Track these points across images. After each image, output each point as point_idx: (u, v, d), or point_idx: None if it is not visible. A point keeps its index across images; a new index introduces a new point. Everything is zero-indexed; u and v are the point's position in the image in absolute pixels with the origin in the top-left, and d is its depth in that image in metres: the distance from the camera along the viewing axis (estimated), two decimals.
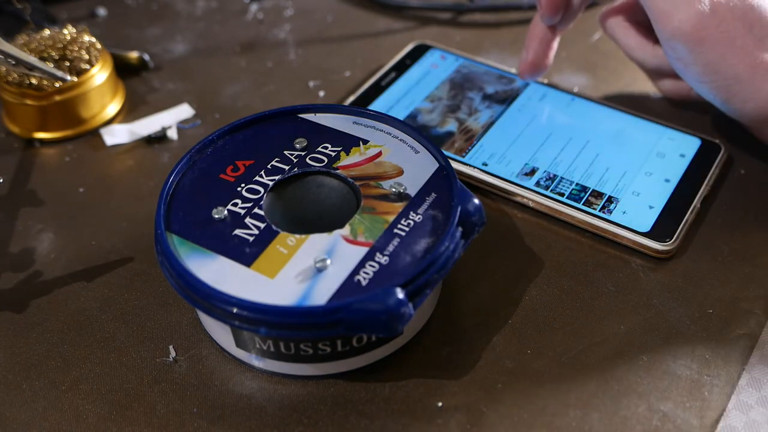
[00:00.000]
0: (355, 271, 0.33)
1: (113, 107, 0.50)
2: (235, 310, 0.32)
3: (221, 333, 0.35)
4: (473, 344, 0.36)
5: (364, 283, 0.33)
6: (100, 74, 0.48)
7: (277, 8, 0.59)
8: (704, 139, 0.45)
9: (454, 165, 0.43)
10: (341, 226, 0.35)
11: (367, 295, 0.32)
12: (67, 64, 0.47)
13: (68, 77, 0.46)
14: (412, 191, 0.37)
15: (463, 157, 0.44)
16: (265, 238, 0.35)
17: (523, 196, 0.42)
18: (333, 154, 0.39)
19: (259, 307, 0.32)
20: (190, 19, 0.58)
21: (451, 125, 0.46)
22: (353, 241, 0.34)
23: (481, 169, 0.43)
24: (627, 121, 0.46)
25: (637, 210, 0.41)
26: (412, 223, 0.35)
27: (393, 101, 0.48)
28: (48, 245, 0.42)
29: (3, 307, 0.39)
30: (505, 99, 0.48)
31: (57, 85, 0.47)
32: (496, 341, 0.36)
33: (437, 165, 0.38)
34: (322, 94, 0.51)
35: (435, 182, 0.37)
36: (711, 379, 0.35)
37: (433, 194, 0.36)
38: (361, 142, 0.39)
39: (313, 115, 0.41)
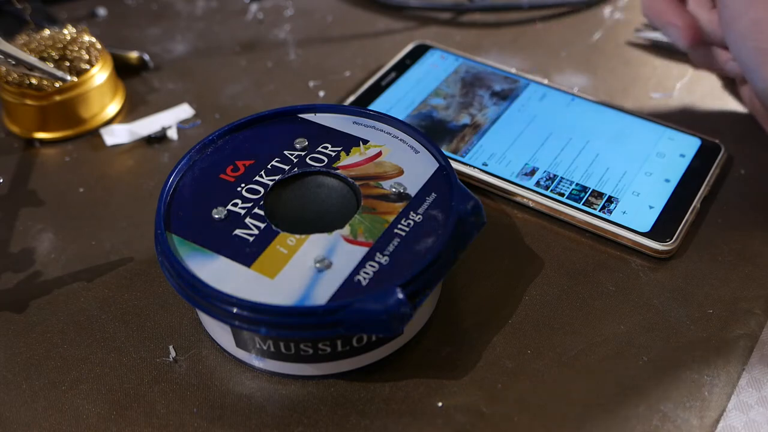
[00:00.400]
0: (355, 271, 0.33)
1: (113, 107, 0.50)
2: (235, 310, 0.32)
3: (221, 333, 0.35)
4: (473, 344, 0.36)
5: (364, 283, 0.33)
6: (100, 74, 0.48)
7: (277, 8, 0.59)
8: (704, 139, 0.45)
9: (454, 165, 0.43)
10: (341, 226, 0.35)
11: (367, 295, 0.32)
12: (67, 64, 0.47)
13: (68, 77, 0.46)
14: (412, 191, 0.37)
15: (463, 156, 0.44)
16: (265, 238, 0.35)
17: (523, 196, 0.42)
18: (333, 154, 0.39)
19: (259, 307, 0.32)
20: (190, 19, 0.58)
21: (465, 119, 0.46)
22: (353, 241, 0.34)
23: (481, 169, 0.43)
24: (627, 121, 0.46)
25: (637, 210, 0.41)
26: (412, 223, 0.35)
27: (393, 101, 0.48)
28: (48, 245, 0.42)
29: (3, 307, 0.39)
30: (510, 96, 0.48)
31: (57, 85, 0.47)
32: (496, 341, 0.36)
33: (437, 165, 0.38)
34: (322, 94, 0.51)
35: (435, 182, 0.37)
36: (711, 379, 0.35)
37: (433, 194, 0.36)
38: (361, 142, 0.39)
39: (313, 115, 0.41)
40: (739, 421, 0.33)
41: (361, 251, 0.34)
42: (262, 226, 0.35)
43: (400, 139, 0.39)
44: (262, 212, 0.36)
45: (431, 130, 0.46)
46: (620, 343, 0.36)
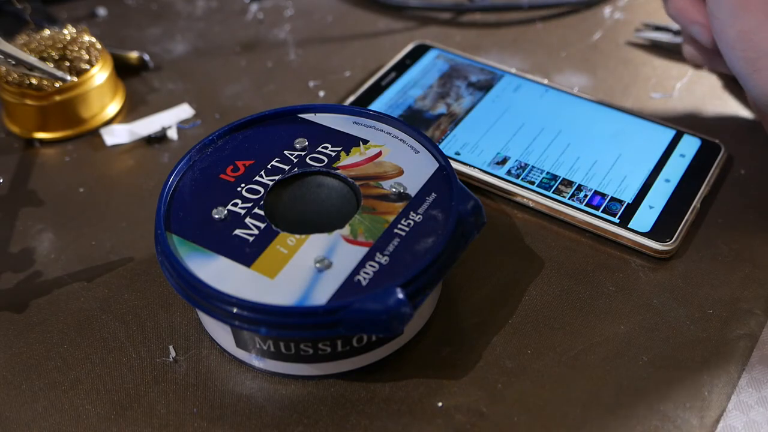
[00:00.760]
0: (356, 271, 0.33)
1: (113, 107, 0.50)
2: (235, 310, 0.32)
3: (221, 333, 0.35)
4: (473, 344, 0.36)
5: (364, 283, 0.33)
6: (100, 74, 0.48)
7: (277, 8, 0.59)
8: (704, 139, 0.45)
9: None
10: (341, 226, 0.35)
11: (367, 295, 0.32)
12: (67, 64, 0.47)
13: (68, 77, 0.46)
14: (412, 191, 0.37)
15: (438, 143, 0.45)
16: (265, 238, 0.35)
17: (523, 196, 0.42)
18: (333, 154, 0.39)
19: (260, 307, 0.32)
20: (190, 19, 0.58)
21: (441, 109, 0.47)
22: (353, 241, 0.34)
23: (453, 159, 0.44)
24: (625, 120, 0.46)
25: (636, 209, 0.41)
26: (412, 223, 0.35)
27: (393, 101, 0.48)
28: (48, 245, 0.42)
29: (3, 307, 0.39)
30: (486, 87, 0.49)
31: (57, 85, 0.47)
32: (496, 341, 0.36)
33: (437, 165, 0.38)
34: (322, 94, 0.51)
35: (435, 182, 0.37)
36: (711, 379, 0.35)
37: (433, 194, 0.36)
38: (361, 142, 0.39)
39: (313, 115, 0.41)
40: (739, 421, 0.33)
41: (361, 251, 0.34)
42: (262, 226, 0.35)
43: (400, 139, 0.39)
44: (262, 212, 0.36)
45: (408, 120, 0.46)
46: (620, 343, 0.36)
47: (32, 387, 0.35)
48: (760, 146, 0.45)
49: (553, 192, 0.42)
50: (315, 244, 0.34)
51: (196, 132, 0.49)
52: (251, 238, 0.35)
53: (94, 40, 0.49)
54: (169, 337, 0.37)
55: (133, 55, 0.53)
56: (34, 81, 0.46)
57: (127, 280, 0.40)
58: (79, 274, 0.40)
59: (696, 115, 0.48)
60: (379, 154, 0.39)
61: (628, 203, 0.41)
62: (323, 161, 0.38)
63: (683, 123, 0.47)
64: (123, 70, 0.52)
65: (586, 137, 0.45)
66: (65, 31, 0.49)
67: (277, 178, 0.38)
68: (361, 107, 0.41)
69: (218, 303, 0.32)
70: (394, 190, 0.37)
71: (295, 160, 0.38)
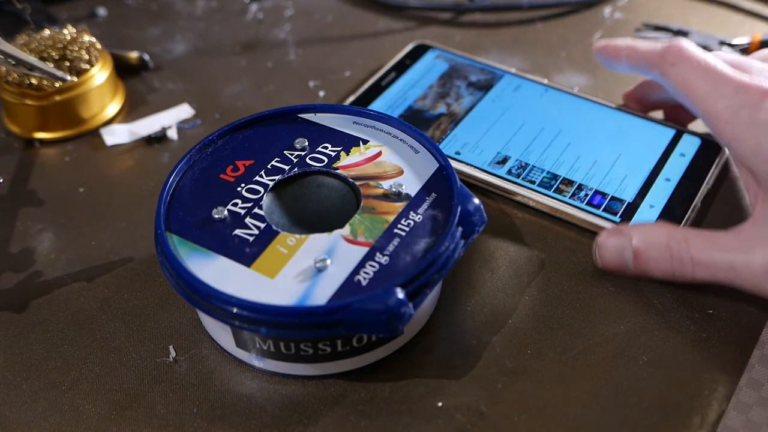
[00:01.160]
0: (355, 271, 0.33)
1: (113, 107, 0.50)
2: (235, 310, 0.32)
3: (221, 333, 0.35)
4: (473, 344, 0.36)
5: (364, 283, 0.33)
6: (100, 74, 0.48)
7: (277, 8, 0.59)
8: (704, 138, 0.45)
9: None
10: (341, 226, 0.35)
11: (367, 295, 0.32)
12: (67, 64, 0.47)
13: (68, 77, 0.46)
14: (412, 191, 0.37)
15: (438, 143, 0.45)
16: (265, 238, 0.35)
17: (524, 196, 0.42)
18: (333, 154, 0.39)
19: (260, 307, 0.32)
20: (190, 19, 0.58)
21: (441, 109, 0.47)
22: (353, 241, 0.34)
23: (453, 158, 0.44)
24: (625, 120, 0.46)
25: (637, 208, 0.41)
26: (412, 223, 0.35)
27: (393, 101, 0.48)
28: (48, 245, 0.42)
29: (3, 307, 0.39)
30: (486, 86, 0.49)
31: (57, 85, 0.47)
32: (496, 341, 0.36)
33: (437, 165, 0.38)
34: (322, 94, 0.51)
35: (435, 182, 0.37)
36: (711, 379, 0.35)
37: (433, 194, 0.36)
38: (361, 142, 0.39)
39: (313, 115, 0.41)
40: (738, 422, 0.33)
41: (361, 251, 0.34)
42: (262, 226, 0.35)
43: (400, 139, 0.39)
44: (261, 212, 0.36)
45: (409, 119, 0.46)
46: (620, 343, 0.36)
47: (32, 387, 0.35)
48: None
49: (553, 191, 0.42)
50: (315, 244, 0.34)
51: (196, 132, 0.49)
52: (251, 238, 0.35)
53: (94, 40, 0.50)
54: (169, 337, 0.37)
55: (133, 55, 0.53)
56: (34, 81, 0.47)
57: (127, 280, 0.40)
58: (79, 274, 0.40)
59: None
60: (379, 154, 0.39)
61: (629, 202, 0.41)
62: (323, 161, 0.38)
63: (682, 122, 0.47)
64: (123, 70, 0.52)
65: (586, 137, 0.45)
66: (65, 31, 0.49)
67: (277, 178, 0.38)
68: (361, 107, 0.41)
69: (218, 303, 0.32)
70: (394, 190, 0.37)
71: (295, 160, 0.38)
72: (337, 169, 0.38)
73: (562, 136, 0.45)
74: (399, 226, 0.35)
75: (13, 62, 0.45)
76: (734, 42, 0.53)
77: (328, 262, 0.34)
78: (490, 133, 0.45)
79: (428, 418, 0.34)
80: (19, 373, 0.36)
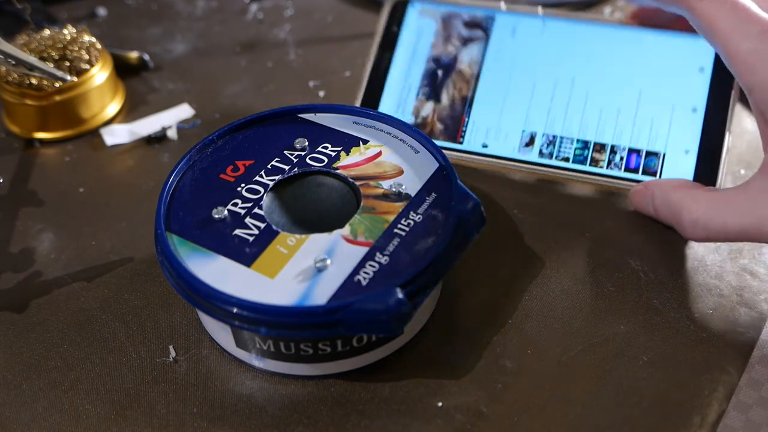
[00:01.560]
0: (355, 271, 0.33)
1: (113, 107, 0.50)
2: (235, 310, 0.32)
3: (221, 333, 0.35)
4: (473, 344, 0.36)
5: (364, 283, 0.33)
6: (100, 74, 0.48)
7: (277, 8, 0.59)
8: None
9: (456, 155, 0.43)
10: (341, 226, 0.35)
11: (367, 295, 0.32)
12: (67, 64, 0.47)
13: (68, 77, 0.46)
14: (412, 191, 0.37)
15: (461, 143, 0.43)
16: (265, 238, 0.35)
17: (562, 178, 0.41)
18: (333, 154, 0.39)
19: (260, 307, 0.32)
20: (190, 19, 0.58)
21: (447, 92, 0.45)
22: (353, 241, 0.34)
23: (482, 154, 0.43)
24: (632, 40, 0.43)
25: (675, 160, 0.40)
26: (412, 223, 0.35)
27: (397, 100, 0.46)
28: (48, 245, 0.42)
29: (3, 307, 0.39)
30: (482, 38, 0.45)
31: (57, 85, 0.47)
32: (496, 341, 0.36)
33: (437, 165, 0.38)
34: (322, 94, 0.51)
35: (435, 182, 0.37)
36: (711, 379, 0.35)
37: (433, 194, 0.36)
38: (361, 142, 0.39)
39: (313, 115, 0.41)
40: (738, 422, 0.33)
41: (361, 251, 0.34)
42: (262, 226, 0.35)
43: (400, 139, 0.39)
44: (261, 212, 0.36)
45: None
46: (620, 343, 0.36)
47: (32, 387, 0.35)
48: None
49: (589, 164, 0.41)
50: (315, 244, 0.34)
51: (196, 132, 0.49)
52: (251, 238, 0.35)
53: (94, 40, 0.49)
54: (169, 337, 0.37)
55: (133, 55, 0.53)
56: (34, 81, 0.46)
57: (127, 280, 0.40)
58: (79, 274, 0.40)
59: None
60: (379, 154, 0.39)
61: (664, 153, 0.40)
62: (323, 161, 0.38)
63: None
64: (123, 70, 0.52)
65: (601, 79, 0.43)
66: (65, 31, 0.49)
67: (277, 178, 0.38)
68: (361, 107, 0.41)
69: (218, 303, 0.32)
70: (394, 190, 0.37)
71: (295, 160, 0.38)
72: (337, 169, 0.38)
73: (578, 86, 0.43)
74: (399, 226, 0.35)
75: (13, 62, 0.45)
76: None
77: (328, 262, 0.34)
78: (507, 108, 0.43)
79: (428, 418, 0.34)
80: (19, 373, 0.36)
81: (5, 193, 0.45)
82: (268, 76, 0.53)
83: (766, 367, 0.35)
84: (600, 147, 0.42)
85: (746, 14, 0.36)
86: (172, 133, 0.48)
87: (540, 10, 0.46)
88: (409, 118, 0.45)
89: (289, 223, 0.37)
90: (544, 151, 0.42)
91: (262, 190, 0.37)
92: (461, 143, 0.44)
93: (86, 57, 0.48)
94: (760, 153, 0.37)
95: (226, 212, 0.36)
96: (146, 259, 0.41)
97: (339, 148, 0.39)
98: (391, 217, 0.35)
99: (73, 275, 0.40)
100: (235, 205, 0.36)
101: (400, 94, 0.46)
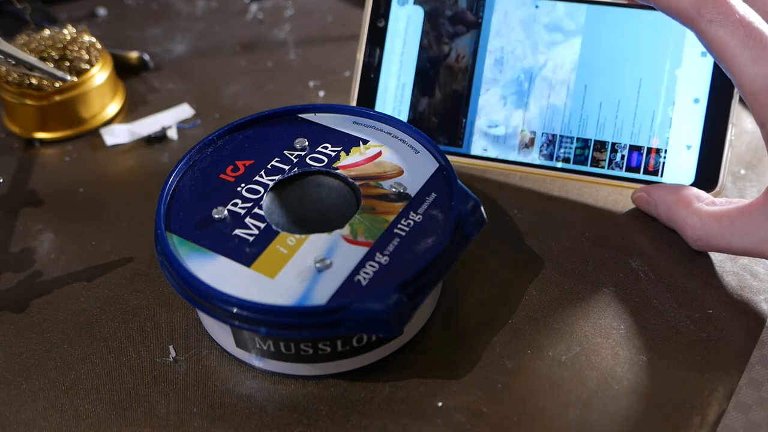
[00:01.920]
0: (355, 271, 0.33)
1: (113, 107, 0.50)
2: (235, 310, 0.32)
3: (221, 333, 0.35)
4: (473, 344, 0.36)
5: (364, 283, 0.33)
6: (100, 74, 0.48)
7: (277, 8, 0.59)
8: None
9: (459, 159, 0.43)
10: (341, 226, 0.35)
11: (367, 295, 0.32)
12: (67, 64, 0.48)
13: (68, 77, 0.46)
14: (412, 191, 0.37)
15: (461, 146, 0.43)
16: (265, 238, 0.35)
17: (564, 177, 0.41)
18: (333, 154, 0.39)
19: (260, 307, 0.32)
20: (190, 19, 0.58)
21: (442, 89, 0.43)
22: (353, 241, 0.34)
23: (483, 158, 0.43)
24: (628, 19, 0.41)
25: (677, 156, 0.40)
26: (412, 223, 0.35)
27: (393, 80, 0.44)
28: (48, 245, 0.42)
29: (3, 307, 0.39)
30: (474, 25, 0.43)
31: (57, 85, 0.47)
32: (496, 341, 0.36)
33: (437, 165, 0.38)
34: (322, 94, 0.51)
35: (435, 182, 0.37)
36: (711, 379, 0.35)
37: (433, 194, 0.36)
38: (361, 142, 0.39)
39: (313, 115, 0.41)
40: (738, 422, 0.33)
41: (361, 251, 0.34)
42: (262, 226, 0.35)
43: (400, 139, 0.39)
44: (261, 212, 0.36)
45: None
46: (620, 343, 0.36)
47: (32, 387, 0.35)
48: None
49: (590, 165, 0.41)
50: (315, 244, 0.34)
51: (196, 132, 0.49)
52: (251, 238, 0.35)
53: (94, 40, 0.50)
54: (169, 337, 0.37)
55: (133, 55, 0.53)
56: (34, 81, 0.47)
57: (127, 280, 0.40)
58: (79, 274, 0.40)
59: None
60: (379, 154, 0.39)
61: (666, 150, 0.40)
62: (323, 161, 0.38)
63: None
64: (123, 70, 0.52)
65: (599, 67, 0.41)
66: (65, 31, 0.49)
67: (277, 178, 0.38)
68: (360, 107, 0.41)
69: (218, 303, 0.32)
70: (394, 190, 0.37)
71: (295, 160, 0.38)
72: (337, 169, 0.38)
73: (577, 77, 0.41)
74: (399, 226, 0.35)
75: (13, 62, 0.45)
76: None
77: (328, 262, 0.34)
78: (506, 106, 0.42)
79: (428, 418, 0.34)
80: (19, 373, 0.36)
81: (5, 193, 0.45)
82: (268, 76, 0.53)
83: (766, 367, 0.35)
84: (600, 145, 0.41)
85: (761, 45, 0.33)
86: (172, 133, 0.48)
87: None
88: (405, 115, 0.44)
89: (289, 223, 0.37)
90: (544, 151, 0.42)
91: (262, 190, 0.37)
92: (461, 147, 0.43)
93: (86, 57, 0.48)
94: (760, 153, 0.37)
95: (226, 212, 0.36)
96: (146, 259, 0.41)
97: (339, 148, 0.39)
98: (391, 217, 0.35)
99: (73, 275, 0.40)
100: (235, 205, 0.36)
101: (395, 91, 0.44)
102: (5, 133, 0.49)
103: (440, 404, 0.34)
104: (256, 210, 0.36)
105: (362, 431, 0.33)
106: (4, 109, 0.49)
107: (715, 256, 0.40)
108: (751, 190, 0.43)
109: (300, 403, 0.34)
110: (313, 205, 0.38)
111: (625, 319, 0.37)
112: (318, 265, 0.33)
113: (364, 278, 0.33)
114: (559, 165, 0.42)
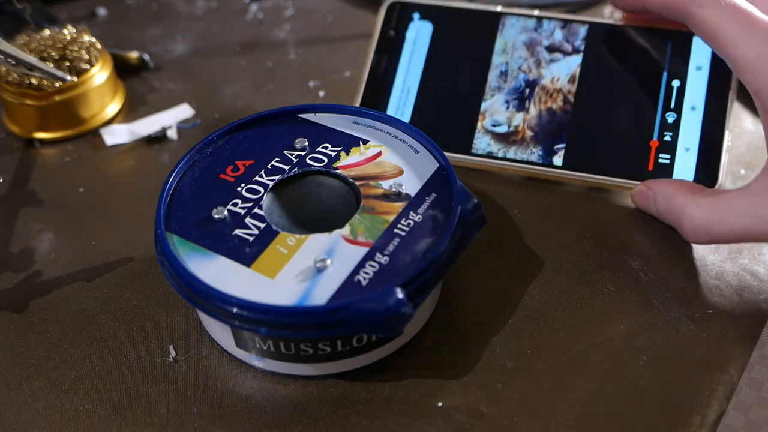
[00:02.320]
0: (355, 271, 0.33)
1: (113, 107, 0.50)
2: (235, 310, 0.32)
3: (221, 333, 0.35)
4: (473, 344, 0.36)
5: (364, 283, 0.33)
6: (100, 74, 0.48)
7: (277, 8, 0.59)
8: None
9: (460, 158, 0.43)
10: (341, 226, 0.35)
11: (367, 295, 0.32)
12: (67, 64, 0.48)
13: (68, 77, 0.46)
14: (412, 191, 0.37)
15: (463, 146, 0.43)
16: (265, 238, 0.35)
17: (573, 179, 0.42)
18: (333, 154, 0.39)
19: (260, 307, 0.32)
20: (190, 19, 0.58)
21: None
22: (353, 241, 0.34)
23: (484, 156, 0.43)
24: (624, 39, 0.43)
25: (675, 157, 0.40)
26: (412, 223, 0.35)
27: (398, 87, 0.45)
28: (48, 245, 0.42)
29: (3, 307, 0.39)
30: (482, 58, 0.45)
31: (57, 85, 0.47)
32: (496, 341, 0.36)
33: (437, 165, 0.38)
34: (322, 94, 0.51)
35: (435, 182, 0.37)
36: (711, 379, 0.35)
37: (433, 194, 0.36)
38: (361, 142, 0.39)
39: (313, 115, 0.41)
40: (738, 422, 0.33)
41: (361, 251, 0.34)
42: (262, 226, 0.35)
43: (400, 139, 0.39)
44: (261, 212, 0.36)
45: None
46: (620, 343, 0.36)
47: (32, 387, 0.35)
48: None
49: (590, 165, 0.41)
50: (315, 244, 0.34)
51: (196, 132, 0.49)
52: (251, 238, 0.35)
53: (94, 40, 0.50)
54: (169, 337, 0.37)
55: (133, 55, 0.53)
56: (34, 81, 0.47)
57: (127, 280, 0.40)
58: (79, 274, 0.40)
59: None
60: (379, 154, 0.39)
61: (665, 150, 0.41)
62: (323, 161, 0.38)
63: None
64: (123, 70, 0.52)
65: (600, 75, 0.42)
66: (65, 31, 0.49)
67: (277, 178, 0.38)
68: (360, 107, 0.41)
69: (218, 303, 0.32)
70: (394, 190, 0.37)
71: (295, 160, 0.38)
72: (337, 169, 0.38)
73: (578, 86, 0.43)
74: (399, 226, 0.35)
75: (13, 62, 0.45)
76: None
77: (328, 262, 0.34)
78: (508, 108, 0.43)
79: (428, 418, 0.34)
80: (19, 373, 0.36)
81: (5, 193, 0.45)
82: (268, 76, 0.53)
83: (766, 367, 0.35)
84: (601, 146, 0.42)
85: (750, 21, 0.36)
86: (172, 133, 0.48)
87: (536, 12, 0.45)
88: (408, 118, 0.45)
89: (289, 223, 0.37)
90: (545, 151, 0.42)
91: (262, 190, 0.37)
92: (463, 146, 0.43)
93: (86, 57, 0.48)
94: (760, 153, 0.37)
95: (226, 212, 0.36)
96: (146, 259, 0.41)
97: (339, 148, 0.39)
98: (391, 217, 0.35)
99: (73, 275, 0.40)
100: (235, 205, 0.36)
101: (399, 97, 0.45)
102: (5, 133, 0.49)
103: (440, 404, 0.34)
104: (256, 210, 0.36)
105: (362, 431, 0.33)
106: (4, 109, 0.49)
107: (715, 256, 0.40)
108: None
109: (300, 403, 0.34)
110: (313, 205, 0.38)
111: (625, 319, 0.37)
112: (318, 265, 0.33)
113: (364, 278, 0.33)
114: (560, 165, 0.42)
